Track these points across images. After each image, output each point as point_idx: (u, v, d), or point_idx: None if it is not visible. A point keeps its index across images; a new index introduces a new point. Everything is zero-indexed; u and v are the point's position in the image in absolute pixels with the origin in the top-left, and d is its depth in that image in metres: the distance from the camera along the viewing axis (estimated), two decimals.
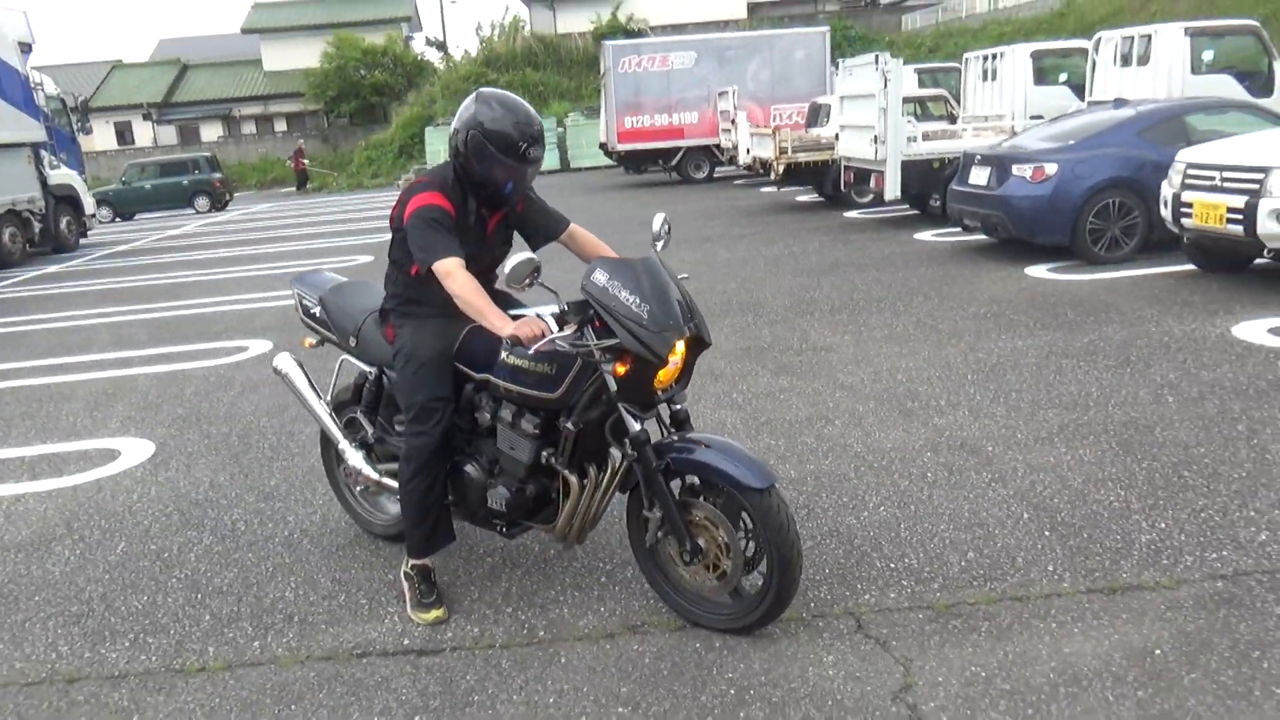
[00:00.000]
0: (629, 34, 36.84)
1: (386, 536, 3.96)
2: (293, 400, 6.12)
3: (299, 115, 44.94)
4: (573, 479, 3.15)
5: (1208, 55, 11.99)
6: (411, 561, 3.41)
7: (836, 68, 13.99)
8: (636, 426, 3.01)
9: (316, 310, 3.83)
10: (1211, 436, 4.45)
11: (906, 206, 12.94)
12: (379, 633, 3.30)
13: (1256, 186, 6.82)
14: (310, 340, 3.94)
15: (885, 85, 11.00)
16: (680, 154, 21.25)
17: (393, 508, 3.99)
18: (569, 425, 3.07)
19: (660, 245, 3.21)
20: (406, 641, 3.22)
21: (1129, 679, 2.72)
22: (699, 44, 21.35)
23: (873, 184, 11.90)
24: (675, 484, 3.11)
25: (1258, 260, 7.82)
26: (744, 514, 3.01)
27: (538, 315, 3.02)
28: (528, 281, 2.87)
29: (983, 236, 10.10)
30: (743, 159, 18.48)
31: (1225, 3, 19.91)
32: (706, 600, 3.14)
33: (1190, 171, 7.49)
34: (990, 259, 9.31)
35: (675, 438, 3.11)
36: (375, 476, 3.63)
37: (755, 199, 17.21)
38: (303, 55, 43.36)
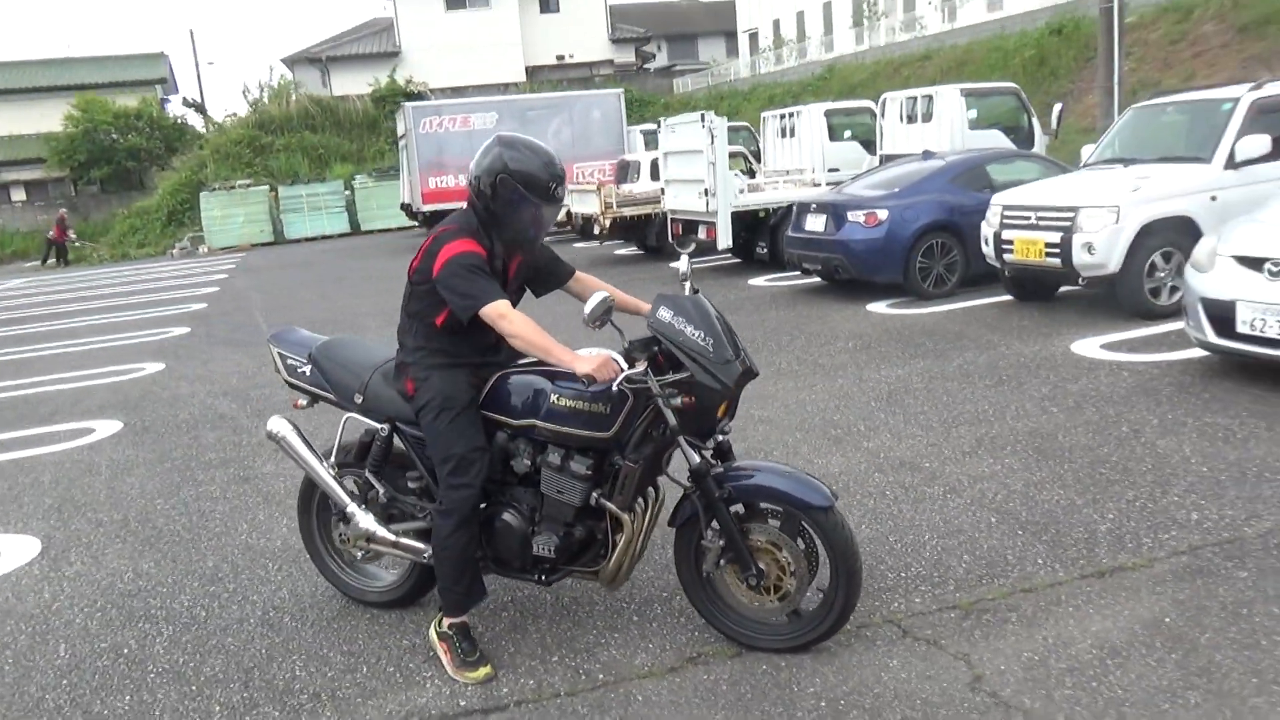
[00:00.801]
0: (409, 96, 36.53)
1: (382, 604, 3.77)
2: (186, 480, 5.74)
3: (40, 183, 41.08)
4: (625, 516, 3.17)
5: (972, 113, 13.52)
6: (449, 621, 3.30)
7: (659, 126, 14.54)
8: (697, 458, 3.09)
9: (306, 369, 3.63)
10: (1106, 439, 5.04)
11: (729, 255, 13.60)
12: (427, 698, 3.15)
13: (1069, 223, 7.78)
14: (301, 401, 3.72)
15: (712, 141, 11.62)
16: None
17: (389, 575, 3.82)
18: (629, 462, 3.11)
19: (688, 284, 3.33)
20: (463, 703, 3.10)
21: (1158, 645, 3.06)
22: (500, 105, 21.58)
23: (703, 235, 12.45)
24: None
25: (1063, 289, 8.93)
26: (800, 534, 3.14)
27: (609, 355, 3.05)
28: (599, 322, 2.93)
29: (816, 280, 10.83)
30: None
31: (967, 69, 22.46)
32: (763, 623, 3.23)
33: (1007, 213, 8.43)
34: (831, 299, 9.99)
35: (723, 467, 3.22)
36: (392, 538, 3.46)
37: (574, 254, 17.49)
38: (42, 118, 39.84)
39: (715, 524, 3.19)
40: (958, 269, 9.52)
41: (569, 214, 17.36)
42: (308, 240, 28.50)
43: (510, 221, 3.19)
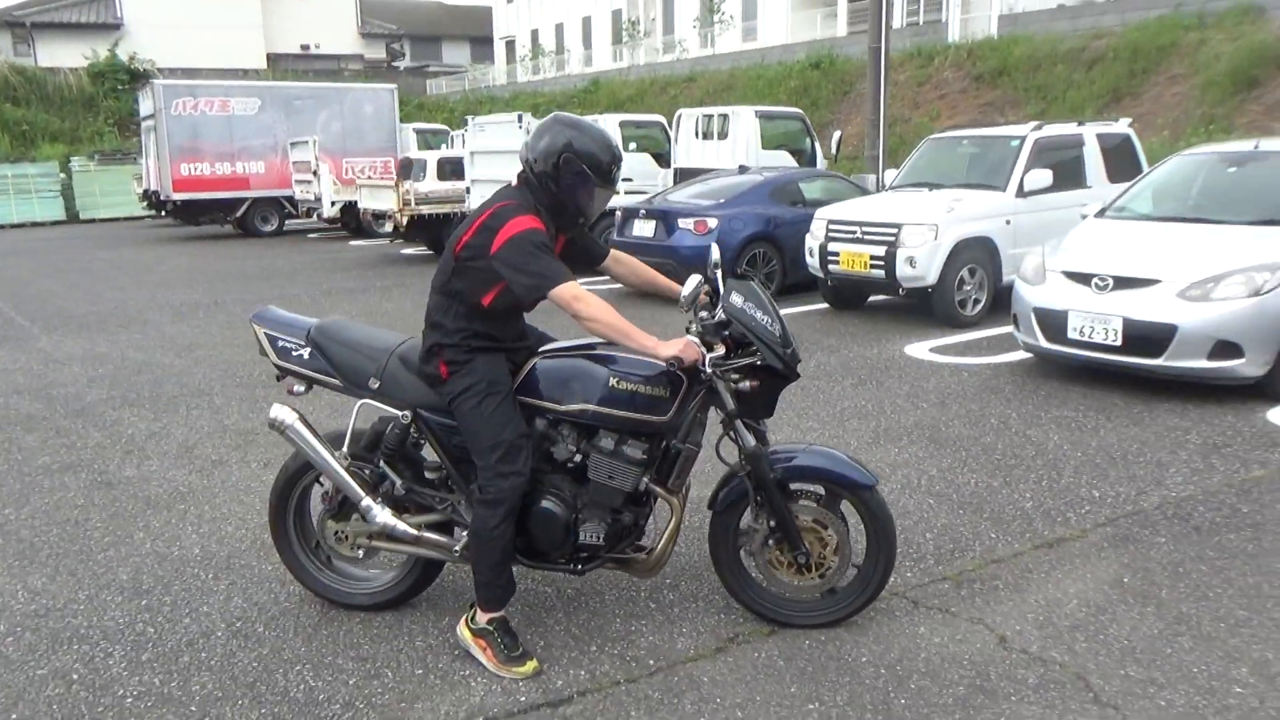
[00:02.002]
0: (134, 74, 33.43)
1: (372, 607, 3.51)
2: (32, 488, 5.03)
3: None
4: (675, 500, 3.19)
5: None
6: (487, 616, 3.15)
7: (467, 124, 14.23)
8: (753, 441, 3.17)
9: (304, 352, 3.31)
10: (984, 430, 5.61)
11: None
12: (479, 698, 2.99)
13: (893, 239, 8.54)
14: (298, 387, 3.37)
15: None
16: (246, 205, 19.81)
17: (382, 575, 3.57)
18: (691, 445, 3.13)
19: (719, 272, 3.41)
20: (524, 699, 2.98)
21: (1131, 601, 3.50)
22: (263, 90, 20.20)
23: None
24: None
25: (872, 298, 9.76)
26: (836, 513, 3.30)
27: (689, 338, 3.06)
28: (692, 306, 2.96)
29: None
30: (328, 211, 17.88)
31: (733, 94, 23.82)
32: (798, 601, 3.35)
33: (833, 227, 9.10)
34: (658, 306, 10.21)
35: (762, 451, 3.30)
36: (414, 533, 3.23)
37: (355, 252, 16.71)
38: None
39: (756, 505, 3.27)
40: (776, 278, 10.12)
41: (355, 209, 16.65)
42: (14, 227, 25.12)
43: (569, 202, 3.13)
